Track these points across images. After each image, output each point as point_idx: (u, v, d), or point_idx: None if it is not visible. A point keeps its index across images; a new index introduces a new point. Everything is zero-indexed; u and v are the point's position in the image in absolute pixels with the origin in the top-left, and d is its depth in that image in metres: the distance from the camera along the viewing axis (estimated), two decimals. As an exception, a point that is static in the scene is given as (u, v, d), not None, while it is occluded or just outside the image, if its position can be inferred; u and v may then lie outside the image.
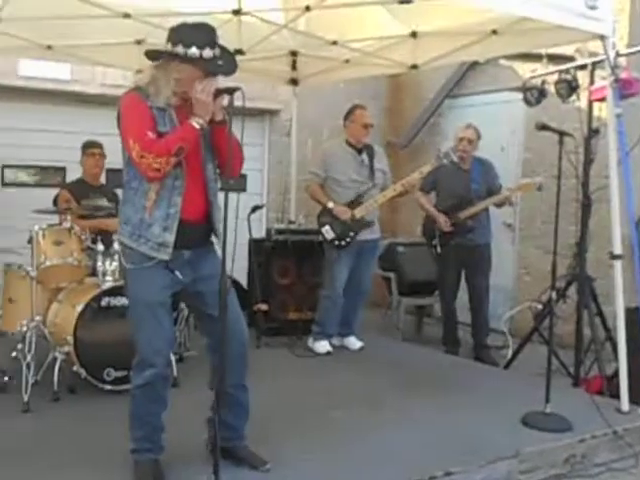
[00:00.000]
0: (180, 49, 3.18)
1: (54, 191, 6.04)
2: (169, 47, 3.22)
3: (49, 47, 5.76)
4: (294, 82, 6.98)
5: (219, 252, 3.27)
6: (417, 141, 8.59)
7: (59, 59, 6.21)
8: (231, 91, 3.19)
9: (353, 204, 5.79)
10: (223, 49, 3.30)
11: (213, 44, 3.21)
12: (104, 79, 7.18)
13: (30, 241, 4.86)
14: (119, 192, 6.08)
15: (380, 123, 8.40)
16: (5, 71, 6.81)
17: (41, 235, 4.86)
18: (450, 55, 5.76)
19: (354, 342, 6.15)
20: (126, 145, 3.21)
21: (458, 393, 4.92)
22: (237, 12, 5.46)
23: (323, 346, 5.98)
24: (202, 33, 3.22)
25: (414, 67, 6.17)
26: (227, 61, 3.31)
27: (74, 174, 6.45)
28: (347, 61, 6.38)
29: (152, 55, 3.32)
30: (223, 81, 3.30)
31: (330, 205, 5.78)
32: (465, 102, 8.11)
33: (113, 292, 4.77)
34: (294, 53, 6.63)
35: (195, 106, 3.22)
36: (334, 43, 6.01)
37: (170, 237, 3.25)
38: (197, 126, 3.21)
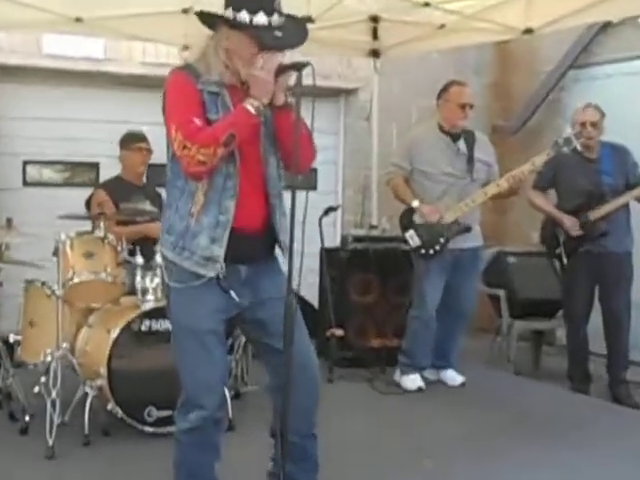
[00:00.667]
0: (229, 12, 3.20)
1: (84, 192, 6.10)
2: (221, 10, 3.24)
3: (79, 19, 5.90)
4: (375, 54, 6.99)
5: (285, 269, 3.26)
6: (532, 124, 8.45)
7: (91, 34, 6.32)
8: (299, 67, 3.17)
9: (445, 202, 5.77)
10: (288, 16, 3.29)
11: (270, 9, 3.20)
12: (144, 57, 7.29)
13: (56, 252, 4.89)
14: (163, 192, 6.27)
15: (484, 103, 8.27)
16: (26, 49, 6.97)
17: (69, 245, 4.92)
18: (575, 15, 5.69)
19: (453, 377, 6.12)
20: (169, 134, 3.23)
21: (592, 443, 4.84)
22: None
23: (413, 381, 5.95)
24: None
25: (528, 31, 6.12)
26: (290, 31, 3.26)
27: (109, 171, 6.51)
28: (442, 26, 6.40)
29: (205, 20, 3.34)
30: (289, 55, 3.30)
31: (415, 204, 5.78)
32: (595, 73, 7.95)
33: (155, 314, 4.83)
34: (375, 19, 6.67)
35: (251, 86, 3.20)
36: (426, 4, 6.02)
37: (219, 250, 3.25)
38: (252, 110, 3.18)
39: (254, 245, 3.35)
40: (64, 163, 7.51)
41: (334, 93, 7.83)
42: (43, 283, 5.08)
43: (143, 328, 4.81)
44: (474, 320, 6.42)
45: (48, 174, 7.49)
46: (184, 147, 3.12)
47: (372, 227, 6.98)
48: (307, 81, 3.11)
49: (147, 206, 5.79)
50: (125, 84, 7.42)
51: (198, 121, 3.16)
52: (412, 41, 6.73)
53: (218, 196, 3.24)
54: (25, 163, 7.37)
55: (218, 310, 3.30)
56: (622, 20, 7.11)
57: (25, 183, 7.38)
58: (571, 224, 6.05)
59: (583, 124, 5.98)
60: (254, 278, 3.38)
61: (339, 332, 6.26)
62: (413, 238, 5.77)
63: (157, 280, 4.98)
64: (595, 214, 6.01)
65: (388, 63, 7.18)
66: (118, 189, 5.87)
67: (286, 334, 3.11)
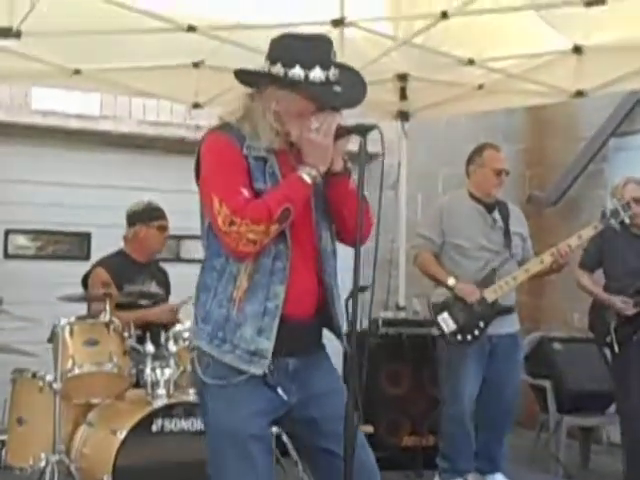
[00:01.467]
0: (279, 68, 2.96)
1: (74, 266, 5.90)
2: (266, 66, 3.01)
3: (77, 72, 5.65)
4: (404, 116, 6.71)
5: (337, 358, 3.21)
6: (571, 195, 8.26)
7: (89, 88, 6.14)
8: (363, 130, 2.95)
9: (483, 282, 5.45)
10: (343, 68, 3.04)
11: (327, 62, 2.98)
12: (144, 115, 7.08)
13: (52, 339, 4.73)
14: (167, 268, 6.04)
15: (517, 171, 8.09)
16: (14, 103, 6.74)
17: (68, 332, 4.72)
18: (630, 78, 5.51)
19: None
20: (208, 207, 2.98)
21: None
22: (339, 23, 5.26)
23: None
24: (311, 46, 3.01)
25: (579, 94, 5.94)
26: (348, 85, 3.04)
27: (101, 242, 6.35)
28: (480, 87, 6.17)
29: (245, 78, 3.09)
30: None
31: (451, 282, 5.44)
32: (638, 142, 7.81)
33: (168, 412, 4.57)
34: (403, 77, 6.40)
35: (306, 152, 2.99)
36: (470, 62, 5.76)
37: (268, 343, 3.00)
38: (309, 180, 2.97)
39: (305, 334, 3.13)
40: (52, 233, 7.18)
41: (351, 158, 7.51)
42: (34, 374, 4.81)
43: (154, 429, 4.54)
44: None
45: (33, 245, 7.18)
46: (231, 223, 2.89)
47: (400, 308, 6.72)
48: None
49: (153, 287, 5.58)
50: (122, 145, 7.16)
51: (246, 192, 2.95)
52: (445, 103, 6.50)
53: (266, 280, 3.02)
54: (7, 232, 7.04)
55: (263, 411, 3.07)
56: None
57: (6, 255, 7.04)
58: (624, 305, 5.71)
59: (634, 200, 5.73)
60: (303, 372, 3.15)
61: (368, 428, 5.85)
62: (447, 322, 5.42)
63: (169, 371, 4.73)
64: None
65: (412, 126, 6.91)
66: (121, 268, 5.52)
67: (347, 442, 2.86)
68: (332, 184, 3.09)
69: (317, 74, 2.94)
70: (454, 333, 5.40)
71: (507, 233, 5.57)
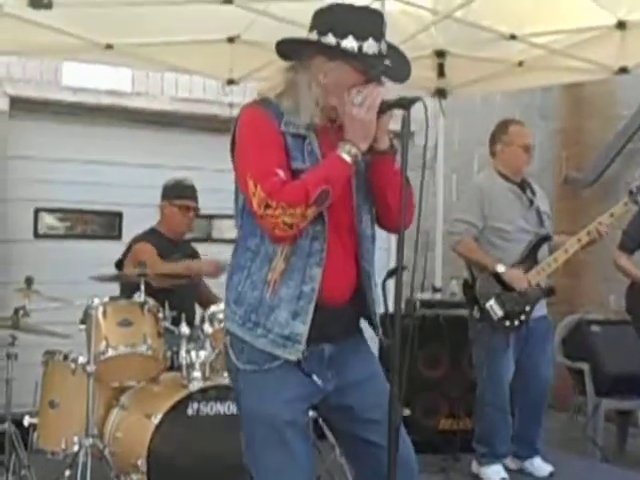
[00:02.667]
0: (330, 39, 2.79)
1: (105, 245, 5.84)
2: (313, 36, 2.84)
3: (109, 46, 5.50)
4: (442, 94, 6.53)
5: (371, 343, 3.06)
6: (608, 176, 8.05)
7: (120, 63, 5.99)
8: (407, 103, 2.77)
9: (525, 264, 5.27)
10: (390, 45, 2.90)
11: (379, 35, 2.83)
12: (176, 91, 6.90)
13: (85, 320, 4.59)
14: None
15: (553, 151, 7.97)
16: (44, 79, 6.56)
17: (101, 312, 4.59)
18: None
19: (541, 466, 5.53)
20: (243, 186, 2.84)
21: None
22: None
23: (496, 472, 5.38)
24: (364, 18, 2.85)
25: (623, 70, 5.72)
26: (397, 62, 2.90)
27: (133, 222, 6.21)
28: (520, 63, 5.97)
29: (287, 49, 2.89)
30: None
31: (501, 269, 5.22)
32: None
33: (204, 395, 4.43)
34: (441, 53, 6.20)
35: (348, 128, 2.81)
36: (512, 37, 5.55)
37: (303, 327, 2.87)
38: (349, 159, 2.80)
39: (341, 319, 2.98)
40: (83, 212, 6.97)
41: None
42: (66, 356, 4.67)
43: (190, 412, 4.38)
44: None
45: (64, 224, 6.97)
46: (267, 206, 2.74)
47: (436, 290, 6.58)
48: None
49: None
50: (154, 122, 6.97)
51: (282, 173, 2.79)
52: (484, 79, 6.30)
53: (302, 262, 2.88)
54: (37, 211, 6.83)
55: (299, 398, 2.94)
56: None
57: (37, 235, 6.83)
58: None
59: None
60: (339, 358, 3.01)
61: (405, 411, 5.58)
62: (494, 309, 5.23)
63: (204, 353, 4.58)
64: None
65: (447, 104, 6.73)
66: (156, 245, 5.29)
67: (391, 433, 2.73)
68: (376, 164, 2.94)
69: (371, 46, 2.79)
70: (502, 319, 5.23)
71: (539, 212, 5.41)
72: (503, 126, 5.48)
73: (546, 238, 5.34)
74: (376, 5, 4.98)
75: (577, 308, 7.57)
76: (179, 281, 5.05)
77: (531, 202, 5.38)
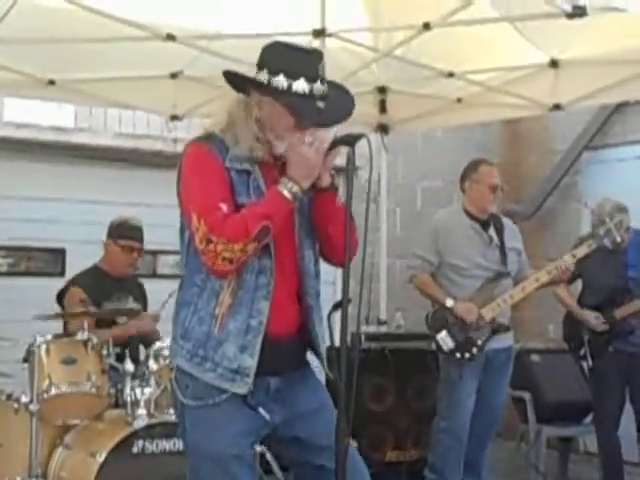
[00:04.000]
0: (263, 75, 2.83)
1: (50, 282, 5.71)
2: (253, 72, 2.87)
3: (51, 82, 5.42)
4: (384, 129, 6.54)
5: (319, 374, 3.05)
6: (547, 208, 8.18)
7: (63, 99, 5.92)
8: (352, 140, 2.79)
9: (481, 300, 5.26)
10: (333, 85, 2.93)
11: (313, 76, 2.82)
12: (120, 127, 6.82)
13: (28, 358, 4.49)
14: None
15: (502, 187, 7.92)
16: None
17: (44, 350, 4.49)
18: (605, 91, 5.42)
19: None
20: (188, 222, 2.83)
21: None
22: (319, 33, 5.06)
23: None
24: (300, 58, 2.87)
25: (557, 107, 5.82)
26: (333, 102, 2.87)
27: (77, 259, 6.09)
28: (459, 100, 6.03)
29: (233, 83, 2.91)
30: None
31: (449, 303, 5.24)
32: (612, 155, 7.79)
33: (149, 433, 4.36)
34: (383, 89, 6.23)
35: (292, 165, 2.82)
36: (450, 75, 5.61)
37: (250, 361, 2.85)
38: (289, 196, 2.79)
39: (287, 353, 2.98)
40: (25, 249, 6.84)
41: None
42: (9, 395, 4.55)
43: (135, 450, 4.32)
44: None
45: (6, 261, 6.83)
46: (208, 241, 2.74)
47: (381, 322, 6.55)
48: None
49: (130, 303, 5.31)
50: (98, 158, 6.87)
51: (225, 207, 2.79)
52: (423, 116, 6.36)
53: (249, 296, 2.87)
54: None
55: (245, 432, 2.91)
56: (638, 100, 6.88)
57: None
58: (596, 322, 5.71)
59: (620, 222, 5.60)
60: (286, 390, 3.00)
61: (352, 444, 5.62)
62: (446, 341, 5.24)
63: (149, 390, 4.48)
64: (622, 311, 5.69)
65: (389, 139, 6.77)
66: (97, 284, 5.24)
67: (339, 458, 2.73)
68: (318, 200, 2.94)
69: (300, 86, 2.80)
70: (452, 351, 5.23)
71: (503, 250, 5.40)
72: (474, 165, 5.51)
73: (503, 275, 5.31)
74: (316, 43, 5.04)
75: (518, 338, 7.55)
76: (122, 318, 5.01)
77: (491, 239, 5.37)
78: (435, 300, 5.34)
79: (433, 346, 5.34)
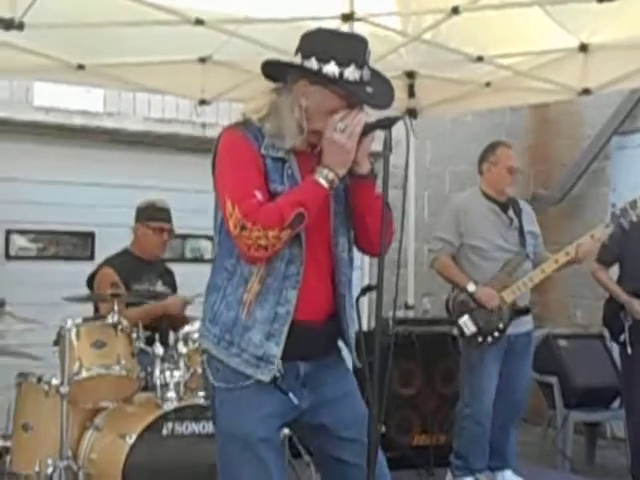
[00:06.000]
0: (313, 63, 2.80)
1: (78, 266, 5.77)
2: (298, 60, 2.85)
3: (80, 66, 5.39)
4: (412, 114, 6.45)
5: (349, 362, 3.05)
6: (575, 193, 8.11)
7: (92, 83, 5.89)
8: (388, 123, 2.77)
9: (501, 283, 5.26)
10: (374, 72, 2.91)
11: (362, 62, 2.82)
12: (149, 111, 6.81)
13: (58, 342, 4.52)
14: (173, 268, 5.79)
15: (522, 170, 7.84)
16: (14, 99, 6.47)
17: (74, 334, 4.50)
18: (636, 75, 5.31)
19: (512, 479, 5.49)
20: (222, 208, 2.84)
21: None
22: (348, 17, 4.99)
23: None
24: (347, 44, 2.85)
25: (586, 92, 5.70)
26: (380, 89, 2.88)
27: (105, 243, 6.16)
28: (488, 84, 5.95)
29: (272, 71, 2.91)
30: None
31: (471, 288, 5.24)
32: None
33: (179, 415, 4.37)
34: (411, 74, 6.16)
35: (326, 152, 2.81)
36: (479, 59, 5.52)
37: (275, 349, 2.86)
38: (325, 184, 2.80)
39: (316, 339, 2.99)
40: (54, 233, 6.87)
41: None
42: (39, 378, 4.58)
43: (165, 432, 4.32)
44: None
45: (35, 246, 6.86)
46: (242, 227, 2.75)
47: (409, 307, 6.54)
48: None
49: (159, 287, 5.35)
50: (127, 142, 6.88)
51: (260, 195, 2.80)
52: (452, 100, 6.26)
53: (278, 284, 2.88)
54: (8, 232, 6.73)
55: (273, 415, 2.93)
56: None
57: (8, 256, 6.72)
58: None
59: (634, 201, 5.52)
60: (315, 376, 3.01)
61: (380, 428, 5.63)
62: (468, 325, 5.24)
63: (179, 373, 4.51)
64: None
65: (418, 124, 6.61)
66: (127, 267, 5.26)
67: (370, 457, 2.72)
68: (356, 188, 2.93)
69: (352, 72, 2.78)
70: (474, 335, 5.23)
71: (522, 232, 5.40)
72: (491, 147, 5.51)
73: (523, 257, 5.31)
74: (345, 27, 4.99)
75: (546, 322, 7.56)
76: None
77: (511, 221, 5.36)
78: (456, 284, 5.32)
79: (454, 331, 5.32)
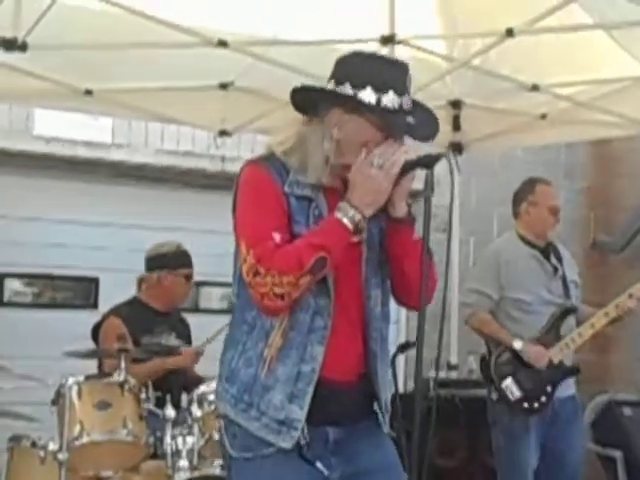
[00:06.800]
0: (347, 89, 2.81)
1: (80, 315, 5.86)
2: (330, 86, 2.86)
3: (88, 92, 5.46)
4: (457, 148, 6.49)
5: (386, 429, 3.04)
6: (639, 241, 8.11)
7: (100, 111, 5.98)
8: (430, 162, 2.76)
9: (545, 340, 5.19)
10: (415, 101, 2.91)
11: (402, 88, 2.82)
12: (162, 143, 6.92)
13: (57, 401, 4.54)
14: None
15: (580, 213, 8.03)
16: (12, 128, 6.57)
17: (76, 392, 4.51)
18: None
19: None
20: (239, 250, 2.86)
21: None
22: (388, 40, 5.05)
23: None
24: (386, 69, 2.87)
25: None
26: (422, 120, 2.89)
27: (110, 290, 6.23)
28: (543, 116, 5.96)
29: (301, 100, 2.92)
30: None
31: (518, 345, 5.16)
32: None
33: None
34: (456, 104, 6.19)
35: (357, 188, 2.80)
36: (534, 88, 5.53)
37: (299, 412, 2.85)
38: (350, 226, 2.78)
39: (347, 401, 2.98)
40: (53, 277, 6.95)
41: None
42: (34, 442, 4.59)
43: None
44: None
45: (32, 291, 6.93)
46: (256, 273, 2.75)
47: (452, 367, 6.59)
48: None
49: (173, 340, 5.42)
50: (137, 177, 7.00)
51: (278, 237, 2.79)
52: (503, 134, 6.31)
53: (302, 339, 2.88)
54: (3, 276, 6.80)
55: None
56: None
57: (2, 302, 6.80)
58: None
59: None
60: (347, 443, 3.00)
61: None
62: (512, 389, 5.16)
63: (192, 439, 4.53)
64: None
65: (463, 161, 6.65)
66: (138, 318, 5.32)
67: None
68: (393, 233, 2.93)
69: (390, 99, 2.79)
70: (520, 401, 5.16)
71: (565, 281, 5.35)
72: (530, 185, 5.48)
73: (571, 310, 5.27)
74: (384, 51, 5.04)
75: (607, 387, 7.53)
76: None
77: (555, 269, 5.32)
78: (499, 341, 5.26)
79: (493, 396, 5.25)
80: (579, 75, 5.53)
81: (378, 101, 2.76)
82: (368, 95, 2.77)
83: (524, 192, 5.47)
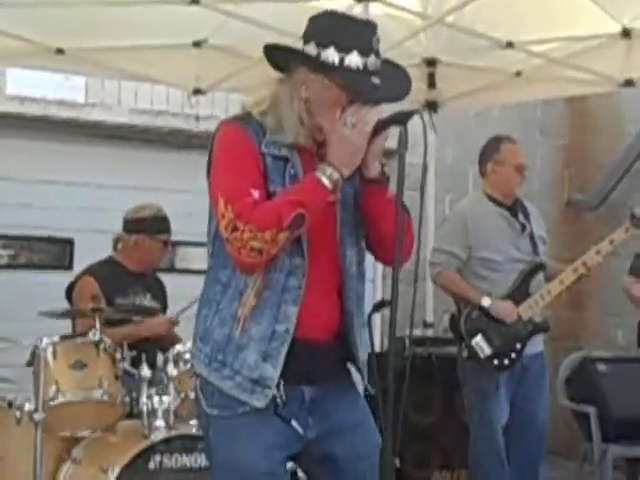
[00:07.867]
0: (311, 48, 2.84)
1: (55, 276, 5.85)
2: (299, 45, 2.90)
3: (60, 51, 5.48)
4: (431, 107, 6.53)
5: (360, 388, 3.09)
6: (615, 197, 8.15)
7: (73, 70, 5.99)
8: (403, 119, 2.78)
9: (514, 297, 5.24)
10: (386, 61, 2.92)
11: (367, 48, 2.83)
12: (136, 102, 6.89)
13: (32, 362, 4.58)
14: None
15: (555, 171, 8.05)
16: None
17: (51, 353, 4.53)
18: None
19: None
20: (215, 207, 2.87)
21: None
22: None
23: None
24: (351, 28, 2.87)
25: (628, 83, 5.75)
26: (389, 79, 2.88)
27: (85, 250, 6.23)
28: (518, 74, 6.00)
29: (275, 58, 2.93)
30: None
31: (486, 302, 5.20)
32: None
33: (167, 447, 4.41)
34: (431, 62, 6.20)
35: (333, 149, 2.82)
36: (509, 45, 5.55)
37: (272, 371, 2.87)
38: (329, 184, 2.79)
39: (322, 361, 3.00)
40: (27, 238, 6.95)
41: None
42: (10, 403, 4.59)
43: (152, 466, 4.36)
44: (553, 442, 5.91)
45: (7, 252, 6.93)
46: (234, 228, 2.76)
47: (427, 325, 6.59)
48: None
49: (147, 301, 5.40)
50: (110, 137, 6.97)
51: (256, 194, 2.82)
52: (478, 91, 6.34)
53: (276, 298, 2.89)
54: None
55: (276, 446, 2.93)
56: None
57: None
58: None
59: None
60: (322, 402, 3.02)
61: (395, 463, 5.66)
62: (482, 346, 5.21)
63: (168, 399, 4.54)
64: None
65: (438, 119, 6.74)
66: (112, 278, 5.28)
67: None
68: (366, 193, 2.95)
69: (354, 59, 2.80)
70: (490, 358, 5.20)
71: (532, 238, 5.39)
72: (494, 143, 5.49)
73: (540, 267, 5.32)
74: (358, 8, 5.06)
75: (581, 344, 7.62)
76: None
77: (523, 227, 5.36)
78: (467, 299, 5.29)
79: (464, 353, 5.30)
80: (554, 32, 5.55)
81: (341, 61, 2.78)
82: (331, 55, 2.78)
83: (489, 151, 5.47)
